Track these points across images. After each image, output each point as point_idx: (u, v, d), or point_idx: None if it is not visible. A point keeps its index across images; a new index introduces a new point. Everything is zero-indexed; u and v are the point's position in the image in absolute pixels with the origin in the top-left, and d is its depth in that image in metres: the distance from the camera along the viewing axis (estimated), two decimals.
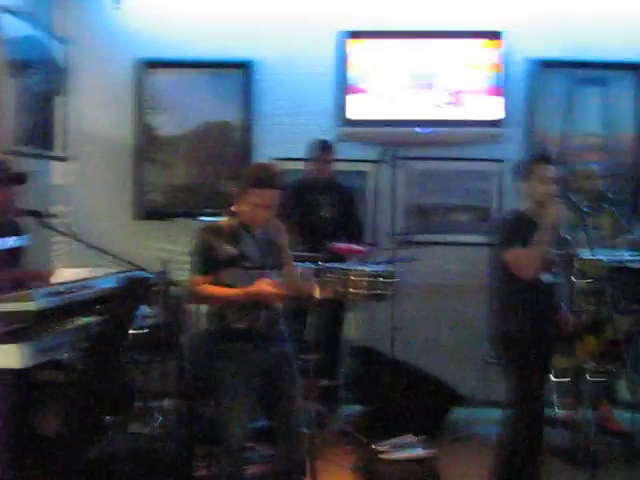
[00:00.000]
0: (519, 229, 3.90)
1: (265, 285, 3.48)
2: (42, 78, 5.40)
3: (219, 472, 3.84)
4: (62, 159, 5.83)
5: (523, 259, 3.83)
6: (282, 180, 3.65)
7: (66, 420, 3.36)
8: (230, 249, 3.57)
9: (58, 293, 2.90)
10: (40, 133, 5.48)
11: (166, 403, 4.86)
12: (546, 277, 3.91)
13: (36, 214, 3.31)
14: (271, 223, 3.73)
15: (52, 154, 5.69)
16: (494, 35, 5.73)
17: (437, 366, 5.59)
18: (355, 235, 5.34)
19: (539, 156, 4.15)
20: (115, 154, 6.03)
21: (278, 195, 3.61)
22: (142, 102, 5.99)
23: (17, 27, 4.99)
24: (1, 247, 3.78)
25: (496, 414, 5.47)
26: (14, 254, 3.88)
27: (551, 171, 3.91)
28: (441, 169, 5.96)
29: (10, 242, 3.84)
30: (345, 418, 5.38)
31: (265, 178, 3.57)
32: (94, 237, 3.35)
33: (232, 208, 3.72)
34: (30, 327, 2.94)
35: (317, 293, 3.61)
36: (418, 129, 5.70)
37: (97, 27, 5.98)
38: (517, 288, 3.93)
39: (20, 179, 3.76)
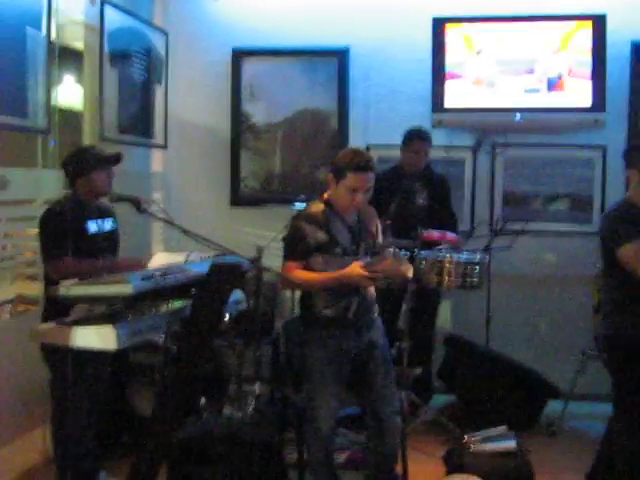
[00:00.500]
0: (634, 221, 3.60)
1: (357, 268, 3.47)
2: (142, 68, 5.53)
3: (309, 457, 3.87)
4: (161, 147, 5.97)
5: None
6: (375, 164, 3.63)
7: (159, 401, 3.43)
8: (322, 235, 3.58)
9: (153, 277, 2.95)
10: (140, 122, 5.62)
11: (259, 388, 4.92)
12: None
13: (134, 200, 3.38)
14: (362, 209, 3.73)
15: (152, 142, 5.83)
16: (595, 18, 5.52)
17: (532, 358, 5.48)
18: (449, 224, 5.26)
19: None
20: (212, 142, 6.13)
21: (373, 179, 3.60)
22: (238, 91, 6.05)
23: (118, 19, 5.12)
24: (101, 230, 3.89)
25: (593, 408, 5.38)
26: (111, 237, 3.99)
27: None
28: (540, 156, 5.82)
29: (108, 225, 3.95)
30: (438, 408, 5.33)
31: (360, 162, 3.55)
32: (191, 223, 3.40)
33: (325, 195, 3.73)
34: (126, 309, 3.02)
35: (410, 273, 3.55)
36: (517, 116, 5.57)
37: (194, 18, 6.09)
38: (633, 286, 3.60)
39: (114, 160, 3.86)
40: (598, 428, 5.10)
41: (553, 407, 5.26)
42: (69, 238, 3.67)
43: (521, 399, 5.12)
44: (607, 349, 3.84)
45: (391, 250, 3.52)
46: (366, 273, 3.44)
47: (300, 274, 3.56)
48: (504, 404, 4.98)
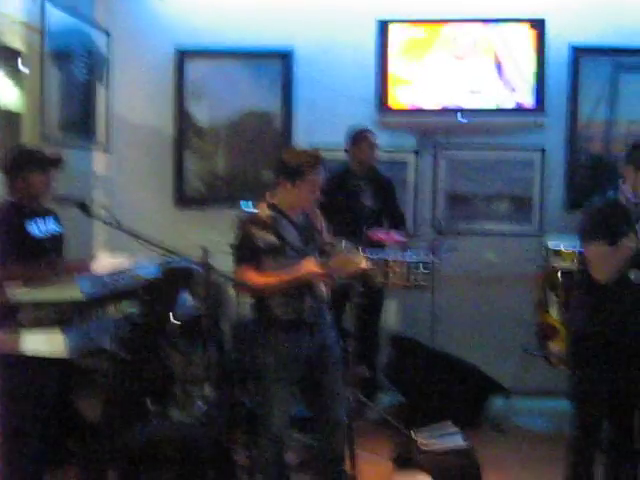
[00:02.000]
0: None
1: (311, 265, 3.49)
2: (84, 68, 5.45)
3: (259, 459, 3.86)
4: (104, 148, 5.88)
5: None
6: (324, 165, 3.65)
7: (109, 406, 3.40)
8: (272, 238, 3.58)
9: (102, 281, 2.93)
10: (82, 123, 5.54)
11: (207, 390, 4.89)
12: (635, 275, 3.51)
13: (78, 203, 3.33)
14: (309, 210, 3.74)
15: (94, 143, 5.74)
16: (535, 22, 5.65)
17: (476, 355, 5.56)
18: (396, 224, 5.32)
19: None
20: (155, 143, 6.07)
21: (322, 180, 3.62)
22: (182, 91, 6.01)
23: (60, 18, 5.03)
24: (44, 232, 3.81)
25: (536, 404, 5.50)
26: (55, 239, 3.91)
27: None
28: (482, 158, 5.91)
29: (50, 225, 3.87)
30: (384, 407, 5.37)
31: (316, 159, 3.58)
32: (135, 226, 3.36)
33: (271, 197, 3.72)
34: (75, 315, 2.98)
35: (364, 264, 3.58)
36: (460, 117, 5.65)
37: (137, 17, 6.02)
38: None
39: (54, 162, 3.78)
40: (542, 423, 5.24)
41: (498, 404, 5.36)
42: (10, 242, 3.60)
43: (465, 396, 5.19)
44: (572, 344, 3.83)
45: (342, 244, 3.54)
46: (320, 270, 3.46)
47: (257, 278, 3.55)
48: (449, 401, 5.04)
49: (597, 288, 3.57)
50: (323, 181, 3.62)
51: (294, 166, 3.60)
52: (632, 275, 3.52)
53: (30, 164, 3.72)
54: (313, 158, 3.60)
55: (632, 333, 3.56)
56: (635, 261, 3.48)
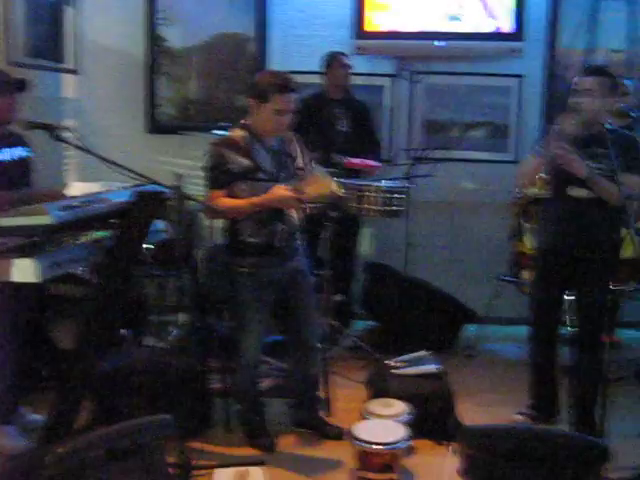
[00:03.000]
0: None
1: (282, 189, 3.46)
2: None
3: (233, 385, 3.90)
4: (73, 72, 5.73)
5: (519, 170, 4.05)
6: (294, 89, 3.59)
7: (82, 333, 3.38)
8: (244, 161, 3.54)
9: (73, 207, 2.87)
10: (50, 45, 5.36)
11: (180, 317, 4.90)
12: (576, 191, 3.75)
13: (48, 127, 3.24)
14: (283, 134, 3.69)
15: (62, 67, 5.58)
16: None
17: (450, 283, 5.60)
18: (371, 150, 5.27)
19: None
20: (126, 67, 5.92)
21: (296, 100, 3.57)
22: (153, 13, 5.84)
23: None
24: (9, 157, 3.73)
25: (507, 331, 5.58)
26: (22, 165, 3.83)
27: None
28: (459, 84, 5.83)
29: (17, 152, 3.78)
30: (358, 333, 5.42)
31: (284, 82, 3.52)
32: (106, 151, 3.28)
33: (245, 120, 3.67)
34: (45, 241, 2.93)
35: (335, 187, 3.56)
36: (437, 42, 5.55)
37: None
38: (545, 203, 4.03)
39: (19, 86, 3.68)
40: (512, 349, 5.32)
41: (470, 330, 5.42)
42: None
43: (439, 323, 5.24)
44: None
45: (315, 168, 3.50)
46: (292, 194, 3.43)
47: (225, 202, 3.52)
48: (422, 328, 5.10)
49: (544, 208, 4.05)
50: (292, 105, 3.55)
51: (261, 88, 3.54)
52: (569, 191, 3.77)
53: (5, 85, 3.64)
54: (281, 80, 3.53)
55: (572, 242, 3.82)
56: (577, 179, 3.69)
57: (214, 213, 3.74)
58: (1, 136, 3.71)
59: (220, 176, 3.54)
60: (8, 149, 3.73)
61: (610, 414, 3.38)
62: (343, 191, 4.19)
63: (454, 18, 5.62)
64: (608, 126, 3.69)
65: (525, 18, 5.58)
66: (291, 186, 3.45)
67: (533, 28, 5.63)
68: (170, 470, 3.06)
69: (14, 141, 3.80)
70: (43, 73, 5.29)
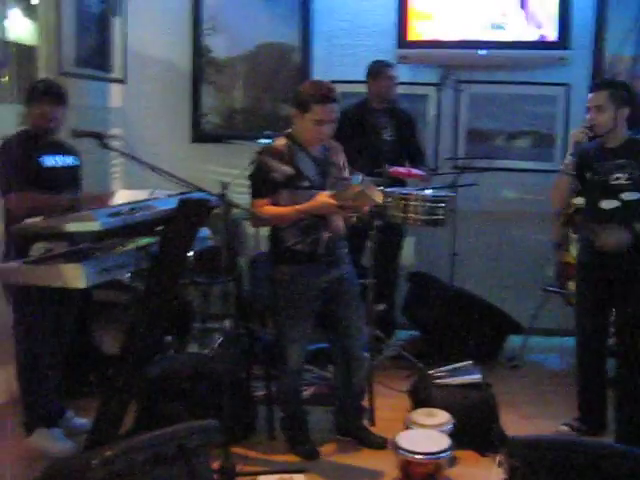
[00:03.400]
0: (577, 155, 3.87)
1: (324, 197, 3.46)
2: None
3: (277, 393, 3.90)
4: (120, 81, 5.82)
5: (553, 189, 4.01)
6: (336, 99, 3.59)
7: (127, 339, 3.42)
8: (288, 169, 3.56)
9: (120, 214, 2.90)
10: (98, 55, 5.45)
11: (224, 324, 4.92)
12: (605, 203, 3.77)
13: (95, 135, 3.29)
14: (327, 142, 3.70)
15: (110, 76, 5.67)
16: None
17: (495, 293, 5.55)
18: (416, 159, 5.25)
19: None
20: (172, 76, 5.99)
21: (338, 109, 3.57)
22: (199, 24, 5.90)
23: None
24: (58, 164, 3.80)
25: (552, 343, 5.51)
26: (71, 172, 3.91)
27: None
28: (504, 93, 5.78)
29: (66, 160, 3.86)
30: (401, 343, 5.40)
31: (325, 92, 3.53)
32: (151, 160, 3.32)
33: (289, 130, 3.69)
34: (93, 247, 2.97)
35: (379, 198, 3.56)
36: (481, 51, 5.52)
37: None
38: (583, 215, 4.00)
39: (55, 97, 3.76)
40: (557, 361, 5.25)
41: (515, 342, 5.36)
42: (24, 171, 3.59)
43: (483, 333, 5.19)
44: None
45: (359, 177, 3.50)
46: (335, 201, 3.43)
47: (270, 209, 3.54)
48: (466, 338, 5.05)
49: (581, 220, 4.07)
50: (332, 115, 3.56)
51: (302, 98, 3.56)
52: (602, 204, 3.78)
53: (32, 96, 3.74)
54: (322, 90, 3.54)
55: (608, 258, 3.79)
56: (605, 191, 3.75)
57: (258, 221, 3.76)
58: (49, 144, 3.79)
59: (264, 184, 3.56)
60: (56, 156, 3.80)
61: None
62: (388, 199, 4.19)
63: (497, 27, 5.58)
64: (632, 135, 3.76)
65: (570, 25, 5.51)
66: (335, 194, 3.46)
67: (579, 36, 5.56)
68: (214, 476, 3.07)
69: (64, 150, 3.87)
70: (91, 83, 5.39)
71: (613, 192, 3.74)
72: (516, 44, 5.58)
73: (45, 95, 3.72)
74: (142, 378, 3.59)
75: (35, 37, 4.90)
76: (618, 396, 3.87)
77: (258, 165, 3.61)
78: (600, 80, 4.25)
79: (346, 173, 3.79)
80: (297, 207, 3.51)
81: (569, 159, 3.91)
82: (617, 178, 3.74)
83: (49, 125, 3.75)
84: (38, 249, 2.94)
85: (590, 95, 3.82)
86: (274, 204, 3.56)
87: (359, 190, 3.44)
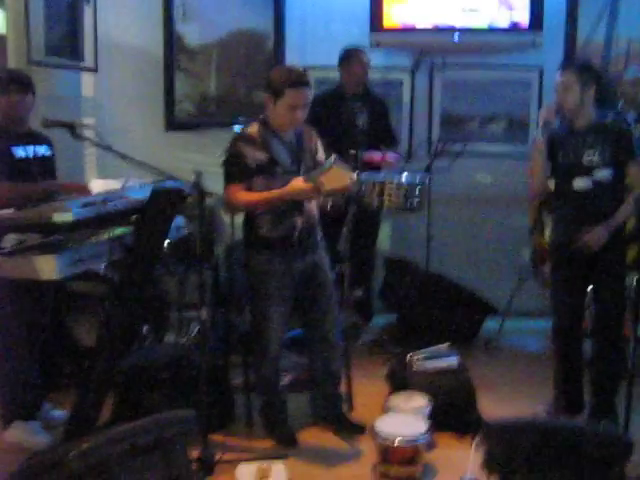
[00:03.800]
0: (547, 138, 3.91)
1: (300, 182, 3.46)
2: None
3: (255, 380, 3.90)
4: (92, 70, 5.75)
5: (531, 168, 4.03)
6: (308, 84, 3.59)
7: (102, 330, 3.40)
8: (261, 155, 3.55)
9: (93, 204, 2.89)
10: (69, 44, 5.38)
11: (201, 313, 4.90)
12: (578, 182, 3.79)
13: (67, 125, 3.27)
14: (301, 128, 3.69)
15: (81, 65, 5.61)
16: None
17: (471, 277, 5.58)
18: (390, 144, 5.25)
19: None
20: (144, 64, 5.92)
21: (311, 94, 3.58)
22: (171, 11, 5.84)
23: None
24: (30, 155, 3.76)
25: (528, 325, 5.55)
26: (45, 163, 3.87)
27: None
28: (477, 77, 5.80)
29: (38, 150, 3.82)
30: (378, 328, 5.41)
31: (297, 77, 3.53)
32: (125, 149, 3.30)
33: (261, 116, 3.68)
34: (66, 238, 2.95)
35: (353, 178, 3.56)
36: (455, 35, 5.52)
37: None
38: (552, 199, 4.03)
39: (25, 86, 3.72)
40: (533, 343, 5.30)
41: (491, 325, 5.39)
42: None
43: (459, 317, 5.23)
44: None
45: (332, 159, 3.49)
46: (309, 185, 3.43)
47: (244, 195, 3.53)
48: (443, 322, 5.08)
49: (552, 202, 4.07)
50: (306, 99, 3.55)
51: (275, 83, 3.54)
52: (574, 184, 3.79)
53: (9, 85, 3.69)
54: (294, 75, 3.54)
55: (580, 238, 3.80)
56: (577, 171, 3.78)
57: (233, 208, 3.76)
58: (20, 134, 3.75)
59: (238, 170, 3.55)
60: (27, 147, 3.76)
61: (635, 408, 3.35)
62: (363, 186, 4.19)
63: (471, 11, 5.57)
64: (600, 119, 3.80)
65: (543, 10, 5.51)
66: (309, 178, 3.45)
67: (552, 20, 5.55)
68: (194, 465, 3.07)
69: (35, 139, 3.83)
70: (63, 72, 5.33)
71: (585, 171, 3.76)
72: (489, 29, 5.58)
73: (10, 85, 3.68)
74: (119, 369, 3.58)
75: (3, 25, 4.84)
76: (594, 377, 3.91)
77: (231, 151, 3.60)
78: (567, 61, 4.25)
79: (322, 156, 3.78)
80: (272, 192, 3.51)
81: (539, 137, 3.93)
82: (588, 156, 3.75)
83: (19, 114, 3.71)
84: (10, 241, 2.91)
85: (557, 75, 3.84)
86: (248, 190, 3.54)
87: (332, 170, 3.43)
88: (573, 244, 3.80)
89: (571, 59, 5.37)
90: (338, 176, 3.45)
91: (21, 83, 3.72)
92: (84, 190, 3.60)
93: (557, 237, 4.01)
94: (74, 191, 3.60)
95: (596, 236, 3.72)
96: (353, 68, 5.15)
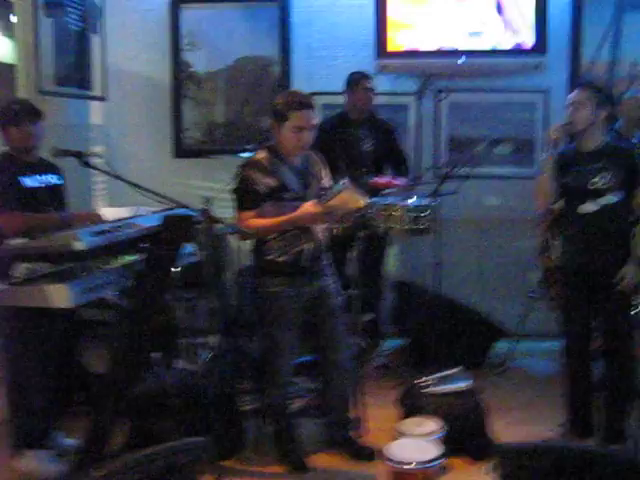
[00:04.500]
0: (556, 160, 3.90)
1: (310, 206, 3.48)
2: (78, 17, 5.35)
3: (265, 406, 3.90)
4: (100, 99, 5.81)
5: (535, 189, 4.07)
6: (312, 109, 3.62)
7: (112, 357, 3.41)
8: (270, 181, 3.57)
9: (103, 232, 2.91)
10: (77, 73, 5.45)
11: (211, 340, 4.91)
12: (584, 207, 3.78)
13: (76, 153, 3.30)
14: (307, 154, 3.72)
15: (90, 94, 5.67)
16: None
17: (480, 300, 5.56)
18: (400, 169, 5.27)
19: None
20: (152, 92, 5.99)
21: (316, 116, 3.60)
22: (177, 39, 5.91)
23: None
24: (39, 184, 3.79)
25: (539, 347, 5.53)
26: (54, 192, 3.90)
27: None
28: (483, 100, 5.83)
29: (48, 179, 3.86)
30: (388, 353, 5.40)
31: (301, 99, 3.56)
32: (134, 177, 3.33)
33: (269, 142, 3.70)
34: (77, 266, 2.97)
35: (363, 202, 3.57)
36: (461, 59, 5.55)
37: None
38: (560, 221, 4.03)
39: (35, 115, 3.76)
40: (544, 365, 5.27)
41: (501, 347, 5.37)
42: (3, 191, 3.59)
43: (468, 340, 5.21)
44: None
45: (341, 183, 3.51)
46: (320, 209, 3.45)
47: (256, 222, 3.55)
48: (452, 346, 5.06)
49: (560, 225, 4.09)
50: (311, 121, 3.59)
51: (279, 107, 3.58)
52: (581, 209, 3.79)
53: (5, 118, 3.74)
54: (297, 98, 3.58)
55: (586, 259, 3.82)
56: (584, 196, 3.77)
57: (245, 235, 3.77)
58: (30, 164, 3.79)
59: (249, 197, 3.58)
60: (37, 176, 3.80)
61: None
62: (371, 210, 4.20)
63: (475, 34, 5.62)
64: (610, 141, 3.80)
65: (547, 32, 5.55)
66: (320, 201, 3.47)
67: (556, 42, 5.60)
68: None
69: (46, 168, 3.87)
70: (71, 101, 5.39)
71: (592, 196, 3.76)
72: (493, 51, 5.62)
73: (20, 115, 3.72)
74: (128, 396, 3.58)
75: (13, 55, 4.90)
76: (604, 399, 3.88)
77: (242, 178, 3.63)
78: (583, 80, 4.26)
79: (327, 182, 3.80)
80: (283, 217, 3.53)
81: (545, 156, 3.94)
82: (596, 181, 3.75)
83: (29, 143, 3.75)
84: (21, 270, 2.94)
85: (572, 94, 3.83)
86: (259, 217, 3.56)
87: (343, 194, 3.45)
88: (584, 267, 3.81)
89: (587, 79, 5.37)
90: (350, 200, 3.47)
91: (31, 113, 3.77)
92: (97, 218, 3.63)
93: (565, 258, 4.01)
94: (87, 220, 3.62)
95: (628, 276, 3.72)
96: (357, 94, 5.18)
